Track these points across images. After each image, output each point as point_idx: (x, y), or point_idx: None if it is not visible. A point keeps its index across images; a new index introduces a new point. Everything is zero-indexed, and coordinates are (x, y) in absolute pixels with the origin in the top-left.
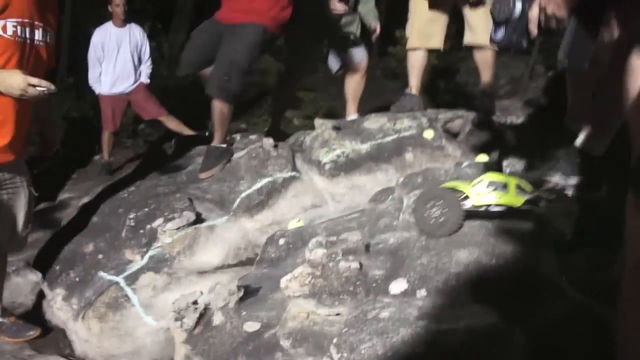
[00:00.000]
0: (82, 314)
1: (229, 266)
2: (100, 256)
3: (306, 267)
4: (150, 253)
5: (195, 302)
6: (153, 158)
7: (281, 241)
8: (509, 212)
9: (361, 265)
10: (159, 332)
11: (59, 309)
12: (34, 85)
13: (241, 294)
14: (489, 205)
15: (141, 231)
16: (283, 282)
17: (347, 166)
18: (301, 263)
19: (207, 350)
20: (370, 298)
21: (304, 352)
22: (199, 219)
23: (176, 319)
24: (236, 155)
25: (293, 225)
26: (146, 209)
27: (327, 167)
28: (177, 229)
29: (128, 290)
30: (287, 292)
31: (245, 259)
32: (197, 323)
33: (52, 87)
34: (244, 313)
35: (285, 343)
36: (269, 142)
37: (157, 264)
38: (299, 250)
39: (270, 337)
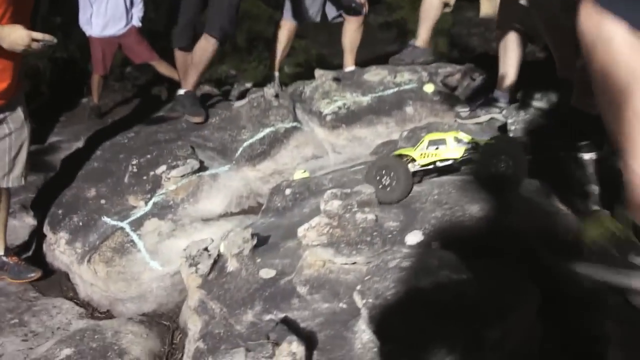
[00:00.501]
0: (87, 257)
1: (232, 214)
2: (102, 201)
3: (323, 217)
4: (155, 199)
5: (206, 249)
6: (147, 103)
7: (287, 191)
8: (455, 165)
9: (376, 217)
10: (165, 277)
11: (62, 252)
12: (37, 40)
13: (255, 241)
14: (434, 163)
15: (144, 178)
16: (300, 231)
17: (348, 118)
18: (309, 213)
19: (223, 295)
20: (387, 248)
21: (320, 299)
22: (201, 167)
23: (190, 265)
24: (237, 104)
25: (298, 175)
26: (148, 156)
27: (328, 118)
28: (182, 176)
29: (134, 236)
30: (305, 240)
31: (247, 207)
32: (211, 269)
33: (54, 40)
34: (258, 260)
35: (301, 289)
36: (270, 92)
37: (161, 211)
38: (306, 201)
39: (286, 284)
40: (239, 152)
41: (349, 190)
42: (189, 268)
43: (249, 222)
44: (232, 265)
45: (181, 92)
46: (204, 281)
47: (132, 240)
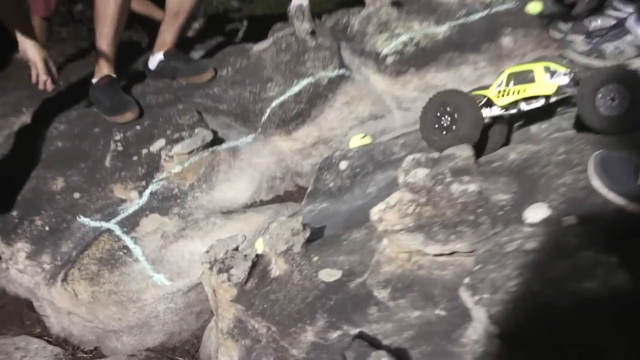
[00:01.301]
0: (60, 275)
1: (262, 203)
2: (76, 195)
3: (405, 192)
4: (152, 188)
5: (236, 249)
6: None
7: (343, 165)
8: (548, 106)
9: (480, 188)
10: (175, 296)
11: (21, 270)
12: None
13: (308, 234)
14: (516, 104)
15: (135, 158)
16: (375, 213)
17: (418, 59)
18: (377, 192)
19: (269, 308)
20: (498, 229)
21: (407, 304)
22: (215, 139)
23: (220, 271)
24: (256, 47)
25: (356, 142)
26: (137, 127)
27: (390, 60)
28: (189, 153)
29: (127, 240)
30: (383, 225)
31: (283, 192)
32: (250, 275)
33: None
34: (315, 258)
35: (380, 294)
36: (303, 27)
37: (162, 203)
38: (370, 176)
39: (358, 288)
40: (265, 115)
41: (436, 155)
42: (218, 275)
43: (288, 213)
44: (278, 267)
45: (157, 57)
46: (241, 292)
47: (125, 247)
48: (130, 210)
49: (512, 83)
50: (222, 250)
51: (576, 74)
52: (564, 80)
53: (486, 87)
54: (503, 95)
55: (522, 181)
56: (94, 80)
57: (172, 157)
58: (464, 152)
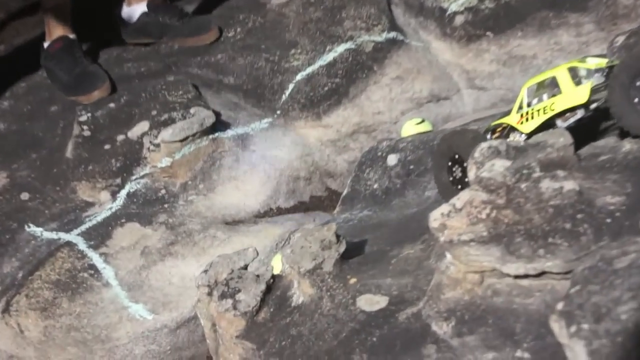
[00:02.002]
0: (0, 304)
1: (280, 211)
2: (24, 196)
3: (477, 191)
4: (130, 187)
5: (245, 268)
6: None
7: (392, 159)
8: (588, 117)
9: (580, 187)
10: (159, 334)
11: None
12: None
13: (343, 248)
14: (550, 125)
15: (106, 146)
16: (436, 218)
17: (499, 19)
18: (436, 198)
19: (289, 347)
20: (606, 241)
21: (478, 343)
22: (217, 123)
23: (223, 296)
24: (275, 0)
25: (411, 129)
26: (111, 105)
27: (459, 21)
28: (182, 140)
29: (94, 257)
30: (445, 235)
31: (308, 197)
32: (263, 302)
33: None
34: (352, 281)
35: (441, 328)
36: None
37: (144, 208)
38: (429, 175)
39: (410, 320)
40: (287, 92)
41: (521, 142)
42: (220, 302)
43: (324, 222)
44: (302, 292)
45: (137, 7)
46: (250, 325)
47: (91, 266)
48: (100, 218)
49: (535, 100)
50: (225, 269)
51: (611, 66)
52: (597, 78)
53: (508, 113)
54: (527, 120)
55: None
56: (45, 45)
57: (158, 145)
58: (559, 139)
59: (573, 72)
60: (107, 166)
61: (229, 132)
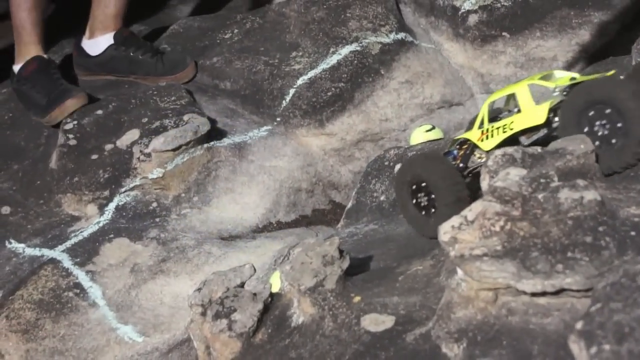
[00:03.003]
0: None
1: (280, 225)
2: (5, 209)
3: (491, 201)
4: (119, 200)
5: (241, 285)
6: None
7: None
8: (547, 137)
9: (601, 197)
10: (151, 357)
11: None
12: None
13: (347, 264)
14: (505, 142)
15: (94, 156)
16: (446, 231)
17: (516, 18)
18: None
19: None
20: (630, 255)
21: None
22: (213, 131)
23: (217, 316)
24: None
25: (420, 137)
26: (98, 112)
27: (472, 20)
28: (175, 149)
29: (80, 275)
30: (456, 250)
31: (310, 211)
32: (260, 322)
33: None
34: (356, 300)
35: (452, 350)
36: None
37: (134, 223)
38: None
39: (418, 341)
40: (287, 98)
41: (539, 149)
42: (214, 323)
43: (328, 236)
44: (303, 311)
45: (102, 40)
46: (247, 347)
47: (77, 285)
48: (86, 233)
49: (498, 116)
50: (220, 287)
51: (573, 84)
52: (557, 97)
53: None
54: (487, 137)
55: None
56: (15, 68)
57: (149, 155)
58: (579, 146)
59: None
60: (94, 177)
61: (226, 141)
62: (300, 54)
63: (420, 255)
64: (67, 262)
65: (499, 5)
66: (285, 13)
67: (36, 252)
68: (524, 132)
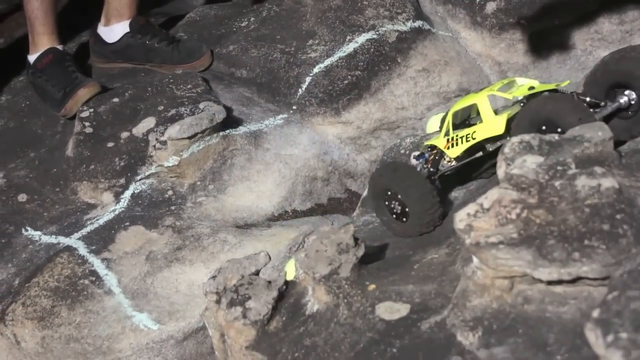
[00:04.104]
0: None
1: (295, 214)
2: (22, 197)
3: (507, 189)
4: (135, 188)
5: (256, 273)
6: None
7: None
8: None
9: (619, 185)
10: (165, 346)
11: None
12: None
13: (362, 252)
14: (473, 152)
15: (110, 144)
16: (462, 219)
17: (534, 5)
18: (463, 199)
19: (301, 358)
20: None
21: (507, 355)
22: (228, 119)
23: (232, 304)
24: None
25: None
26: (114, 100)
27: (490, 8)
28: (190, 137)
29: (96, 263)
30: (472, 238)
31: (326, 199)
32: (275, 311)
33: None
34: (371, 288)
35: (467, 338)
36: None
37: (149, 211)
38: (455, 175)
39: (433, 329)
40: (304, 86)
41: (556, 137)
42: (229, 310)
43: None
44: (317, 299)
45: (117, 28)
46: (261, 334)
47: (92, 272)
48: (102, 221)
49: (460, 125)
50: (235, 275)
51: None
52: (515, 107)
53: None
54: (453, 145)
55: None
56: (31, 58)
57: (165, 143)
58: (597, 133)
59: (494, 98)
60: (110, 165)
61: (241, 129)
62: (317, 42)
63: (436, 244)
64: (82, 250)
65: None
66: (301, 1)
67: (52, 239)
68: (484, 144)
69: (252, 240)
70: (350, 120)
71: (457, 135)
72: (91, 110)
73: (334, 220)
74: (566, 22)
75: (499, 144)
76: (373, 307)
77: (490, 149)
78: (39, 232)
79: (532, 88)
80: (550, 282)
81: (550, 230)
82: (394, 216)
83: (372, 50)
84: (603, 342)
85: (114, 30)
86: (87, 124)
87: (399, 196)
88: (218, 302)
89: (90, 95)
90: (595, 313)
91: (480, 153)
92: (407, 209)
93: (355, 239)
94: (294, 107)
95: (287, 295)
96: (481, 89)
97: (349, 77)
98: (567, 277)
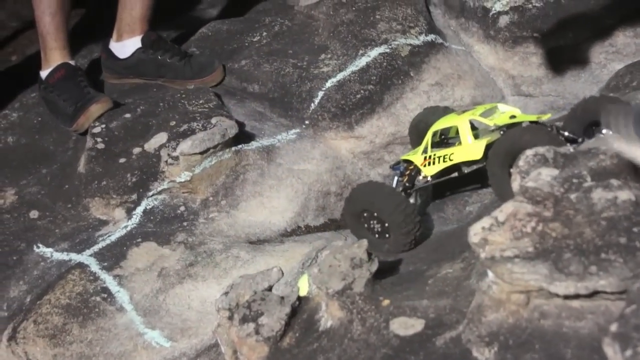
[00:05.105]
0: (7, 331)
1: (309, 229)
2: (34, 214)
3: (522, 202)
4: (147, 204)
5: (269, 289)
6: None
7: None
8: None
9: (636, 197)
10: None
11: None
12: None
13: (375, 267)
14: (448, 172)
15: (122, 160)
16: (476, 232)
17: (546, 20)
18: (478, 213)
19: None
20: None
21: None
22: (241, 134)
23: (244, 320)
24: (304, 1)
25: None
26: (127, 115)
27: (504, 21)
28: (203, 153)
29: (108, 280)
30: (487, 251)
31: (339, 215)
32: (288, 327)
33: None
34: (385, 303)
35: (483, 354)
36: None
37: (161, 227)
38: (471, 188)
39: (449, 345)
40: (316, 101)
41: (570, 149)
42: (242, 327)
43: (347, 242)
44: (331, 315)
45: (129, 43)
46: (274, 351)
47: (104, 289)
48: (114, 237)
49: (438, 144)
50: (248, 291)
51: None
52: (494, 134)
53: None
54: (430, 164)
55: None
56: (43, 74)
57: (177, 159)
58: (611, 144)
59: (474, 122)
60: (122, 181)
61: (254, 144)
62: (329, 56)
63: (450, 258)
64: (94, 267)
65: (530, 6)
66: (313, 15)
67: (64, 256)
68: (458, 166)
69: (265, 256)
70: (363, 135)
71: (435, 155)
72: (103, 126)
73: (348, 235)
74: (580, 35)
75: (474, 167)
76: (387, 322)
77: (466, 171)
78: (50, 249)
79: (513, 117)
80: (567, 297)
81: (567, 243)
82: (376, 235)
83: (384, 64)
84: (622, 356)
85: (125, 45)
86: (99, 139)
87: (376, 214)
88: (230, 318)
89: (103, 111)
90: (613, 327)
91: (456, 174)
92: (386, 224)
93: (369, 254)
94: (307, 122)
95: (300, 311)
96: (463, 111)
97: (362, 91)
98: (584, 291)
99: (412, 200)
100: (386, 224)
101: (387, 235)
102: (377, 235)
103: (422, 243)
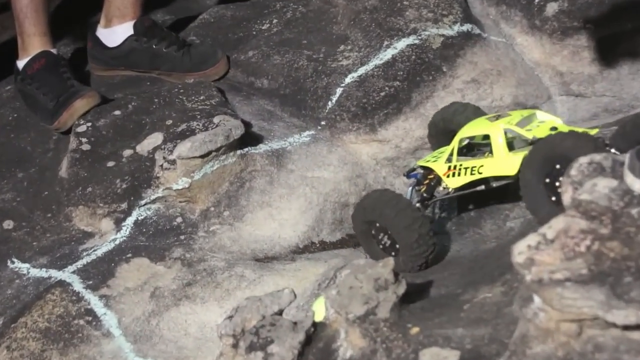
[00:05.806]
0: None
1: (324, 246)
2: (7, 224)
3: (575, 217)
4: (138, 214)
5: (279, 313)
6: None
7: None
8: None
9: None
10: None
11: None
12: None
13: (403, 289)
14: (477, 185)
15: (110, 164)
16: (521, 251)
17: (600, 8)
18: (520, 229)
19: None
20: None
21: None
22: (247, 136)
23: (251, 348)
24: None
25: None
26: (116, 112)
27: (551, 10)
28: (203, 156)
29: (93, 300)
30: (533, 273)
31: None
32: (302, 355)
33: None
34: (415, 330)
35: None
36: None
37: (155, 240)
38: (512, 202)
39: None
40: (334, 99)
41: (629, 157)
42: (248, 356)
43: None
44: (351, 343)
45: (120, 30)
46: None
47: (89, 311)
48: (100, 252)
49: (464, 150)
50: (255, 315)
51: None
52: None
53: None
54: (454, 174)
55: None
56: (20, 64)
57: (173, 163)
58: None
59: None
60: (110, 188)
61: (262, 147)
62: (349, 47)
63: (489, 281)
64: (77, 285)
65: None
66: (332, 1)
67: (42, 273)
68: (488, 181)
69: (274, 275)
70: (387, 138)
71: (461, 165)
72: (89, 124)
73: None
74: (639, 25)
75: (504, 181)
76: (416, 353)
77: (494, 185)
78: (27, 265)
79: (554, 129)
80: (626, 327)
81: (627, 265)
82: (385, 250)
83: (413, 57)
84: None
85: (115, 32)
86: (84, 140)
87: (386, 228)
88: (235, 346)
89: (88, 107)
90: None
91: (483, 187)
92: (396, 242)
93: (396, 275)
94: (323, 123)
95: (315, 338)
96: (496, 116)
97: (387, 88)
98: None
99: (428, 212)
100: (396, 241)
101: (393, 253)
102: (386, 250)
103: (455, 262)
